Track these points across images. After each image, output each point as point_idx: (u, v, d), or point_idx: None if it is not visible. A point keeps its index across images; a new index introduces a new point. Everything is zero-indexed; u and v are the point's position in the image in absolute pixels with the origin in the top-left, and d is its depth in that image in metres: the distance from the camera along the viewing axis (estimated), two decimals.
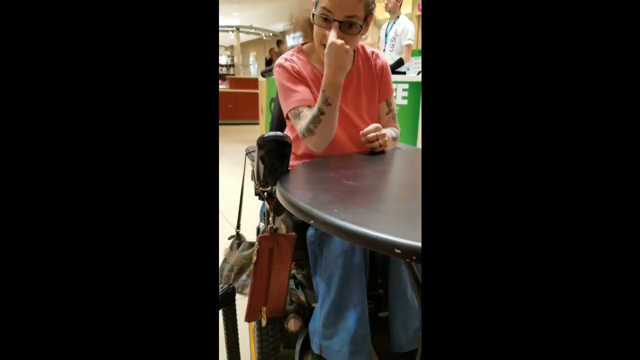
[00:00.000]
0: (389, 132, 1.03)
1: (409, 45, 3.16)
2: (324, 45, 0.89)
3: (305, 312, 0.98)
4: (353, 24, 0.90)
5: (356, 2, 0.88)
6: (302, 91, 0.97)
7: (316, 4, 0.92)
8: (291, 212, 0.58)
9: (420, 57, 3.42)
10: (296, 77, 0.98)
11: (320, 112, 0.90)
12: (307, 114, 0.94)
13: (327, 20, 0.89)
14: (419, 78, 2.44)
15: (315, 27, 0.93)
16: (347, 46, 0.86)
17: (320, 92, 0.90)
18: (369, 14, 0.92)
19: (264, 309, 0.89)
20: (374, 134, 0.95)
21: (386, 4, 3.26)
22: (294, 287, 1.06)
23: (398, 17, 3.24)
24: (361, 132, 0.97)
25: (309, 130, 0.92)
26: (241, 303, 0.87)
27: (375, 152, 1.01)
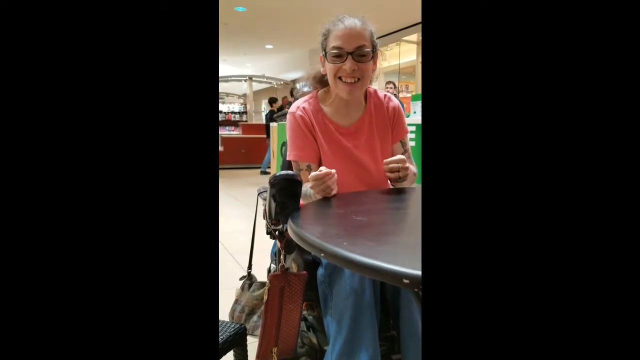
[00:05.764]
0: (411, 167, 1.05)
1: None
2: (340, 79, 0.99)
3: (317, 355, 0.96)
4: (364, 53, 0.98)
5: (361, 31, 0.97)
6: (304, 147, 1.05)
7: (324, 45, 1.01)
8: (302, 246, 0.59)
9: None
10: (304, 130, 1.05)
11: (311, 197, 0.97)
12: (305, 176, 1.01)
13: (339, 56, 0.97)
14: None
15: (328, 65, 1.00)
16: (325, 173, 0.86)
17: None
18: (374, 44, 1.01)
19: (275, 349, 0.87)
20: (396, 165, 0.96)
21: None
22: (305, 329, 1.05)
23: None
24: (385, 160, 0.98)
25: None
26: (252, 345, 0.86)
27: (384, 190, 1.02)
